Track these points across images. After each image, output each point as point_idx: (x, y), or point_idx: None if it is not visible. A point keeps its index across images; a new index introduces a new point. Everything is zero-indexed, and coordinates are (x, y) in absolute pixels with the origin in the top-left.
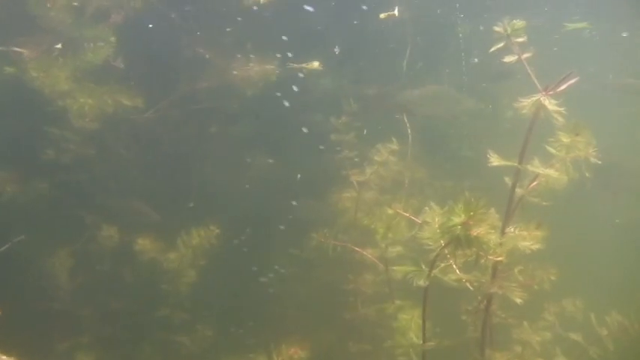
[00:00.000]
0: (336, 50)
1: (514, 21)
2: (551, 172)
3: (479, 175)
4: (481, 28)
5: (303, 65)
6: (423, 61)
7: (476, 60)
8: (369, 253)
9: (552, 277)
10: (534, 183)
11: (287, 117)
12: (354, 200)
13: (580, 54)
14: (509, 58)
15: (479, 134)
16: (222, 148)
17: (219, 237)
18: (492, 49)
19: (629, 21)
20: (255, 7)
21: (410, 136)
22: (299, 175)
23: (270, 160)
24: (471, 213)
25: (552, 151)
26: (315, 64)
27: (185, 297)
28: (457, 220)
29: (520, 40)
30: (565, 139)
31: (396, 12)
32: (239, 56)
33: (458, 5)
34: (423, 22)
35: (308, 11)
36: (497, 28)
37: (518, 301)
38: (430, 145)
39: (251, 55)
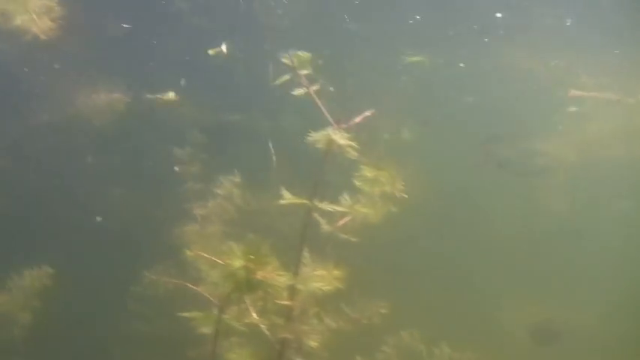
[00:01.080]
0: (182, 82)
1: (299, 52)
2: (348, 208)
3: None
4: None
5: (158, 96)
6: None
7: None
8: (203, 290)
9: (383, 311)
10: (345, 219)
11: (137, 148)
12: (197, 234)
13: (425, 83)
14: (298, 91)
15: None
16: (65, 184)
17: (55, 277)
18: (277, 82)
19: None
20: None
21: (275, 163)
22: (98, 218)
23: (118, 194)
24: (251, 256)
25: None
26: (171, 94)
27: (20, 341)
28: (237, 263)
29: (306, 72)
30: (369, 173)
31: (224, 48)
32: (81, 87)
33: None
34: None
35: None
36: (285, 60)
37: (314, 344)
38: (299, 172)
39: (96, 85)
